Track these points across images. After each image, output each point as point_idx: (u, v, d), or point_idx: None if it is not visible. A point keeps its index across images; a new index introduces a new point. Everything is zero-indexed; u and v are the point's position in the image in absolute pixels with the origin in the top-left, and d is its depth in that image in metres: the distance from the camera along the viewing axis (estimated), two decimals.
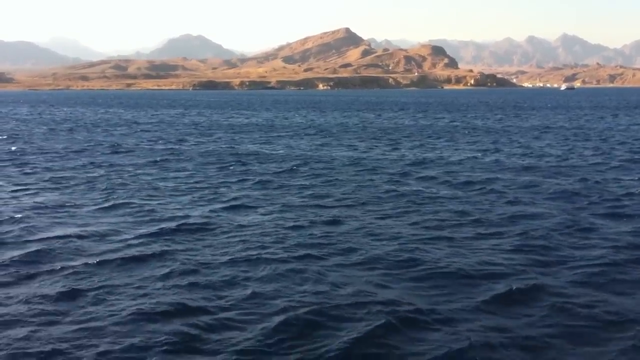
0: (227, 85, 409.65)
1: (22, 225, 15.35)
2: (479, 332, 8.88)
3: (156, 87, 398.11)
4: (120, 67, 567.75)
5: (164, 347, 8.33)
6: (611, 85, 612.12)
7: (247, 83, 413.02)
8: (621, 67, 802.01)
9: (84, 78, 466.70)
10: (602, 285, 10.87)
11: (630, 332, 8.87)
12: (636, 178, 23.04)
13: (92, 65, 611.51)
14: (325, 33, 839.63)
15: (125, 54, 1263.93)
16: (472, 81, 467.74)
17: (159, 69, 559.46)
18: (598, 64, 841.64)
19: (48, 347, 8.41)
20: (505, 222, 15.71)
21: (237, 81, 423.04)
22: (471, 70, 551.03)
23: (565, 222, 15.58)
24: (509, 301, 10.08)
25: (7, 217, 16.24)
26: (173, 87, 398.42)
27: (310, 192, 20.20)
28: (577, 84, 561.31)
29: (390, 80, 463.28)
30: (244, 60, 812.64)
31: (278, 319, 9.18)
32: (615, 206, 17.67)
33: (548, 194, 19.66)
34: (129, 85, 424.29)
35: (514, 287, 10.56)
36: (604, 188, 20.78)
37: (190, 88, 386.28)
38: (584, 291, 10.54)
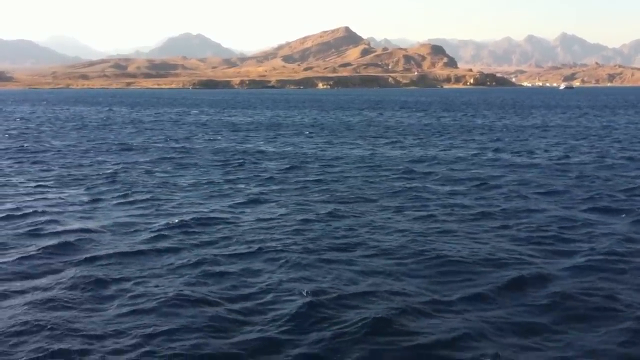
0: (227, 84, 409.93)
1: (49, 218, 16.15)
2: (489, 317, 9.57)
3: (156, 86, 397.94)
4: (120, 66, 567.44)
5: (205, 330, 9.03)
6: (610, 84, 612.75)
7: (247, 82, 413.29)
8: (620, 66, 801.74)
9: (84, 77, 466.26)
10: (604, 274, 11.62)
11: (630, 318, 9.57)
12: (633, 175, 23.86)
13: (92, 64, 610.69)
14: (324, 32, 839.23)
15: (124, 52, 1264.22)
16: (472, 80, 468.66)
17: (158, 68, 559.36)
18: (597, 63, 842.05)
19: (98, 331, 9.10)
20: (510, 215, 16.50)
21: (237, 80, 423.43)
22: (470, 70, 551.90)
23: (568, 216, 16.39)
24: (517, 289, 10.79)
25: (32, 211, 17.01)
26: (173, 86, 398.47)
27: (322, 188, 20.99)
28: (576, 84, 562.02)
29: (390, 79, 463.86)
30: (243, 59, 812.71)
31: (304, 304, 9.89)
32: (615, 201, 18.49)
33: (550, 190, 20.48)
34: (129, 84, 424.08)
35: (522, 276, 11.28)
36: (604, 184, 21.61)
37: (190, 87, 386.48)
38: (587, 279, 11.30)
